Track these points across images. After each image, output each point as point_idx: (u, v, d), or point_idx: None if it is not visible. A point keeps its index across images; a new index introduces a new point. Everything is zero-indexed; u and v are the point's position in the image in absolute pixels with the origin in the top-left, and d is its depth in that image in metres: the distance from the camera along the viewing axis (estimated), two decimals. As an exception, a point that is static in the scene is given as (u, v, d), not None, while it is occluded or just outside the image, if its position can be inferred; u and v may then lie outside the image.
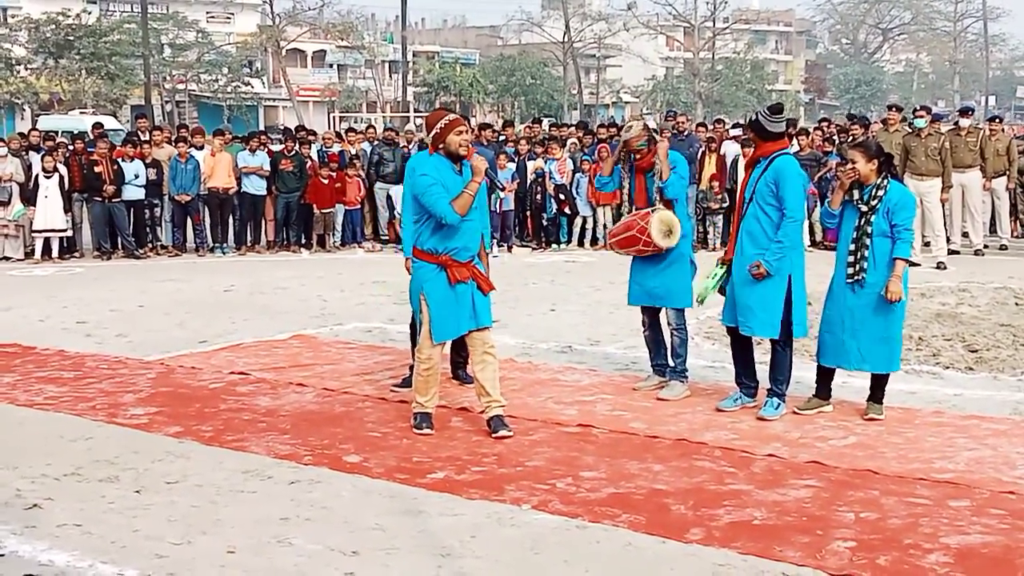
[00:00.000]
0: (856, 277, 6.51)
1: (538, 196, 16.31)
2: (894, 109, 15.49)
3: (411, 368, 6.96)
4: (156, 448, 6.16)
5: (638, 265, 7.35)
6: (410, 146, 17.15)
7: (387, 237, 16.74)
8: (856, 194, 6.56)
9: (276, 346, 9.05)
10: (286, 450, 6.10)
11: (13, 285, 12.85)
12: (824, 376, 6.80)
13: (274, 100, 59.83)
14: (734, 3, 61.32)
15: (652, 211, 7.10)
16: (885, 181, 6.53)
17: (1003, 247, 15.25)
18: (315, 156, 16.42)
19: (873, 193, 6.50)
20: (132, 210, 15.53)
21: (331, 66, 63.58)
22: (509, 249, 15.80)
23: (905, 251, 6.49)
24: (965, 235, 14.92)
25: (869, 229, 6.48)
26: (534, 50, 62.19)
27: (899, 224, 6.45)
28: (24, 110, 46.78)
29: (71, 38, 44.83)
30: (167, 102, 53.24)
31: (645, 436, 6.35)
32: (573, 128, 19.17)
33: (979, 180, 14.77)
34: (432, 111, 6.83)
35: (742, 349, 6.97)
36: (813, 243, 14.42)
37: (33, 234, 15.22)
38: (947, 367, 8.03)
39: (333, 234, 16.45)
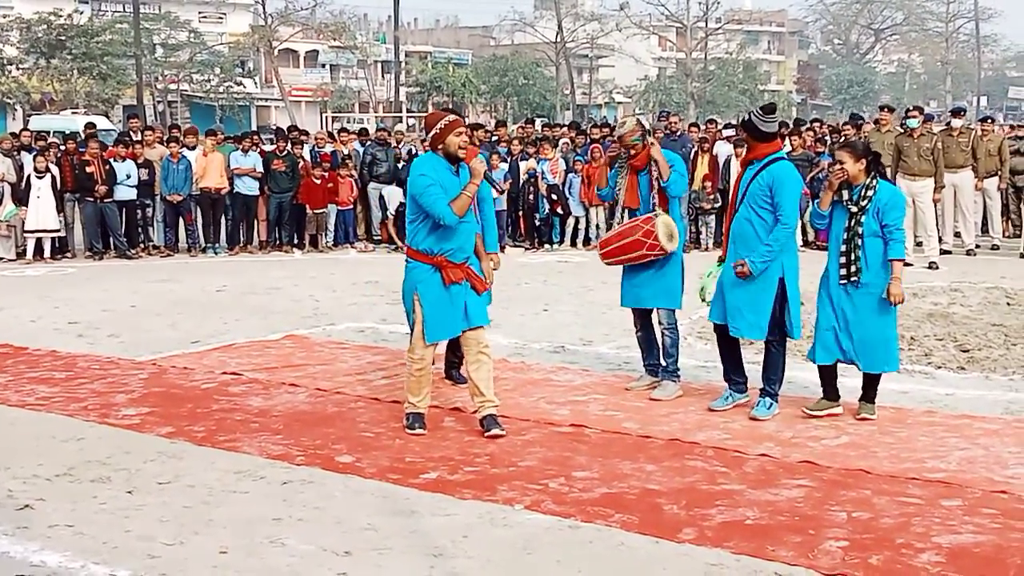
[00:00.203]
0: (850, 278, 6.53)
1: (531, 196, 16.32)
2: (886, 109, 15.51)
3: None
4: (148, 448, 6.15)
5: (630, 267, 7.34)
6: (400, 146, 17.16)
7: (380, 237, 16.75)
8: (845, 194, 6.57)
9: (268, 346, 9.04)
10: (278, 450, 6.09)
11: (5, 285, 12.82)
12: (826, 376, 6.76)
13: (266, 100, 59.78)
14: (726, 3, 61.41)
15: (654, 216, 7.08)
16: (874, 181, 6.54)
17: (995, 247, 15.29)
18: (307, 156, 16.41)
19: (863, 193, 6.51)
20: (124, 210, 15.53)
21: (323, 66, 63.49)
22: (502, 249, 15.76)
23: (900, 251, 6.50)
24: (957, 235, 14.94)
25: (860, 229, 6.49)
26: (527, 50, 62.17)
27: (890, 224, 6.47)
28: (16, 110, 46.66)
29: (63, 38, 44.72)
30: (159, 102, 53.15)
31: (638, 436, 6.35)
32: (565, 128, 19.18)
33: (971, 180, 14.81)
34: (432, 111, 6.81)
35: (729, 347, 6.98)
36: (805, 243, 14.44)
37: (25, 234, 15.19)
38: (939, 367, 8.05)
39: (326, 234, 16.44)
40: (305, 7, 51.45)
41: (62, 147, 15.94)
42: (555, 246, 16.33)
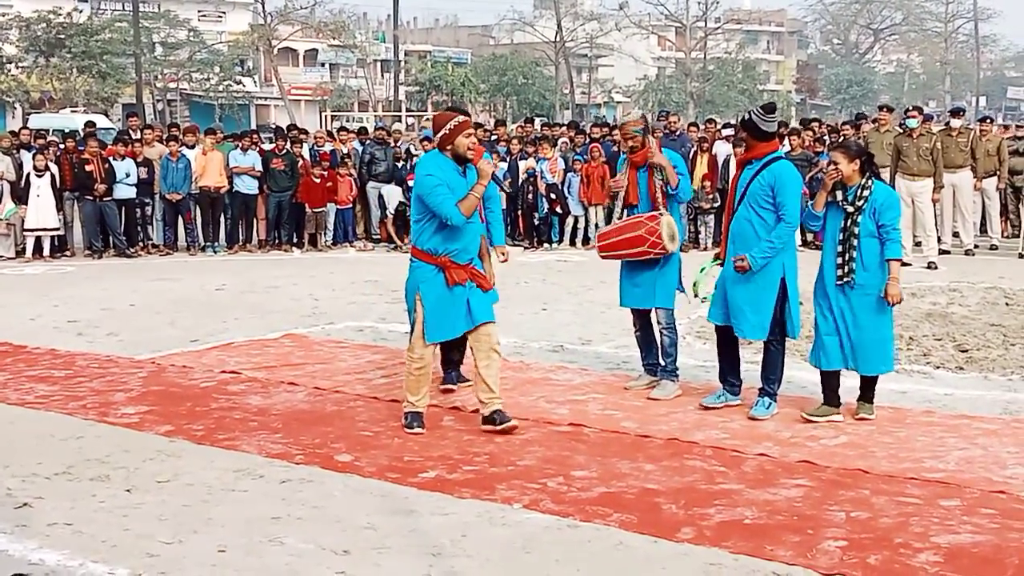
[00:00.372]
0: (846, 279, 6.52)
1: (530, 195, 16.32)
2: (885, 109, 15.51)
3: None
4: (147, 447, 6.15)
5: (628, 267, 7.35)
6: (398, 144, 17.16)
7: (379, 236, 16.75)
8: (840, 195, 6.57)
9: (267, 345, 9.04)
10: (277, 449, 6.09)
11: (4, 284, 12.82)
12: (829, 382, 6.71)
13: (266, 99, 59.75)
14: (725, 3, 61.46)
15: (660, 215, 7.09)
16: (869, 181, 6.54)
17: (993, 247, 15.29)
18: (307, 155, 16.41)
19: (858, 193, 6.50)
20: (123, 209, 15.52)
21: (323, 65, 63.46)
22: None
23: (897, 252, 6.50)
24: (956, 235, 14.95)
25: (856, 230, 6.48)
26: (526, 49, 62.14)
27: (887, 224, 6.46)
28: (15, 108, 46.65)
29: (62, 36, 44.72)
30: (158, 101, 53.14)
31: (636, 435, 6.35)
32: (565, 128, 19.18)
33: (970, 180, 14.80)
34: (441, 112, 6.78)
35: (729, 348, 6.97)
36: (804, 243, 14.44)
37: (24, 233, 15.19)
38: (937, 367, 8.05)
39: (325, 233, 16.43)
40: (304, 6, 51.44)
41: (61, 146, 15.95)
42: (554, 245, 16.33)
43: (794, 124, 20.87)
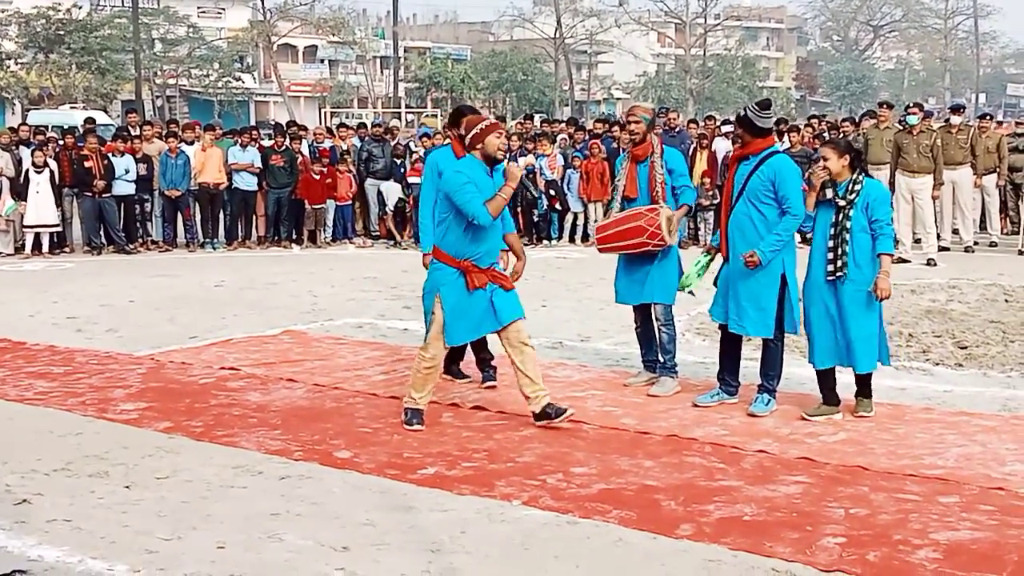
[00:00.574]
0: (838, 274, 6.49)
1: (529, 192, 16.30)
2: (885, 106, 15.51)
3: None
4: (146, 443, 6.15)
5: (625, 262, 7.34)
6: (397, 137, 17.15)
7: (378, 233, 16.74)
8: (829, 192, 6.56)
9: (266, 342, 9.04)
10: (276, 446, 6.09)
11: (3, 280, 12.81)
12: (826, 381, 6.69)
13: (265, 95, 59.77)
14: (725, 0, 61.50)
15: (659, 207, 7.08)
16: (860, 176, 6.54)
17: (993, 244, 15.29)
18: (306, 152, 16.40)
19: (850, 188, 6.50)
20: (122, 205, 15.51)
21: (322, 61, 63.46)
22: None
23: (889, 246, 6.49)
24: (955, 232, 14.95)
25: (848, 224, 6.46)
26: (525, 46, 62.15)
27: (879, 219, 6.45)
28: (14, 104, 46.65)
29: (61, 33, 44.70)
30: (158, 97, 53.17)
31: (635, 432, 6.35)
32: (564, 124, 19.17)
33: (970, 177, 14.79)
34: (470, 113, 6.84)
35: (731, 346, 6.96)
36: (804, 240, 14.42)
37: (23, 229, 15.18)
38: (937, 363, 8.05)
39: (324, 230, 16.42)
40: (304, 2, 51.49)
41: (61, 142, 15.94)
42: (553, 242, 16.33)
43: (798, 122, 20.88)
